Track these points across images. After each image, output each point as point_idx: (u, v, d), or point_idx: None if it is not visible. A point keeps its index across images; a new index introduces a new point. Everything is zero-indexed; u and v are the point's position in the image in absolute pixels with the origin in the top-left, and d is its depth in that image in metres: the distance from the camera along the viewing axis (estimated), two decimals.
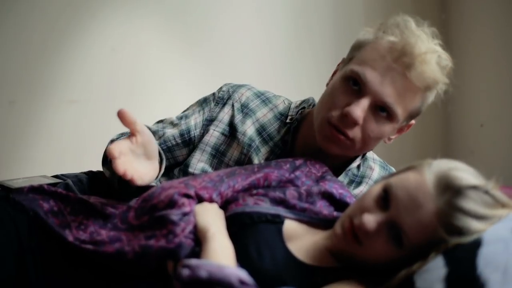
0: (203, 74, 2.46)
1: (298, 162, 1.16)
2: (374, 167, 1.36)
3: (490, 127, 2.56)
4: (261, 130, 1.31)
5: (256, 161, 1.29)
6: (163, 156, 1.20)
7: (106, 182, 1.34)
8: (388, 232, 0.91)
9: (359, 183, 1.34)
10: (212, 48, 2.50)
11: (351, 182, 1.33)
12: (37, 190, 1.09)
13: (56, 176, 1.31)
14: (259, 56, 2.57)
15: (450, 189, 0.88)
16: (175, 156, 1.34)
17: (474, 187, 0.89)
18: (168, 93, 2.42)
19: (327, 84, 1.27)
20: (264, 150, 1.30)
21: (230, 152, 1.31)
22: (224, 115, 1.33)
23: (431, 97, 1.20)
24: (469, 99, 2.69)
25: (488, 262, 0.82)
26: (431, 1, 2.73)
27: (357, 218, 0.93)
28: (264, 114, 1.33)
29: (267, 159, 1.29)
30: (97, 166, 1.43)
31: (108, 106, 2.32)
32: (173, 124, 1.35)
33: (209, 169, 1.31)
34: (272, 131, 1.31)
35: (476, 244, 0.85)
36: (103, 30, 2.31)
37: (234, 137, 1.31)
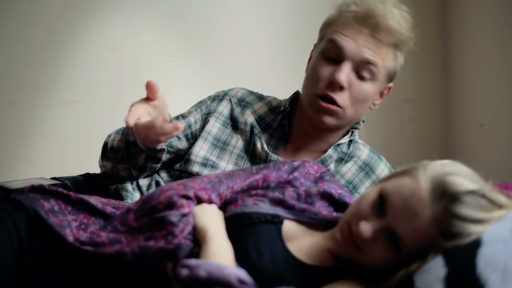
0: (203, 75, 2.46)
1: (296, 163, 1.16)
2: (363, 149, 1.40)
3: (490, 127, 2.55)
4: (259, 120, 1.38)
5: (259, 145, 1.34)
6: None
7: (104, 184, 1.35)
8: (385, 239, 0.91)
9: (347, 162, 1.37)
10: (212, 49, 2.50)
11: (340, 159, 1.37)
12: (38, 190, 1.09)
13: (54, 178, 1.31)
14: (260, 57, 2.57)
15: (445, 196, 0.88)
16: (177, 148, 1.37)
17: (470, 192, 0.88)
18: (168, 93, 2.40)
19: (306, 70, 1.37)
20: (265, 136, 1.36)
21: (234, 140, 1.37)
22: (223, 109, 1.39)
23: (401, 57, 1.31)
24: (469, 99, 2.69)
25: (487, 262, 0.82)
26: (431, 1, 2.73)
27: (354, 225, 0.93)
28: (260, 107, 1.41)
29: (269, 143, 1.36)
30: (97, 167, 1.44)
31: (109, 106, 2.33)
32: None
33: (211, 157, 1.35)
34: (269, 121, 1.39)
35: (476, 244, 0.84)
36: (103, 30, 2.31)
37: (236, 127, 1.38)
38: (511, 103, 2.45)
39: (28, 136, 2.21)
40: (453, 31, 2.72)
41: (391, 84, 1.34)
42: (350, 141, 1.39)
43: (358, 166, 1.37)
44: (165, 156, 1.33)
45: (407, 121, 2.76)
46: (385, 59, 1.26)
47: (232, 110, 1.39)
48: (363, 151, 1.39)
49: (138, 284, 0.96)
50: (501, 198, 0.91)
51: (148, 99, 1.16)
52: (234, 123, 1.38)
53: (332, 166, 1.35)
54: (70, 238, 0.99)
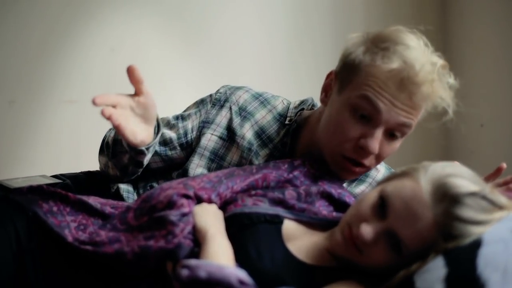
0: (202, 74, 2.46)
1: (297, 162, 1.16)
2: (380, 169, 1.34)
3: (490, 127, 2.56)
4: (260, 133, 1.29)
5: (256, 163, 1.27)
6: (161, 127, 1.18)
7: (105, 183, 1.34)
8: (386, 241, 0.91)
9: (362, 181, 1.32)
10: (212, 48, 2.50)
11: (354, 179, 1.31)
12: (36, 190, 1.08)
13: (55, 176, 1.31)
14: (259, 56, 2.57)
15: (447, 198, 0.88)
16: (172, 158, 1.32)
17: (471, 194, 0.88)
18: (167, 93, 2.41)
19: (323, 101, 1.23)
20: (263, 153, 1.28)
21: (230, 156, 1.30)
22: (222, 119, 1.31)
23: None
24: (469, 99, 2.69)
25: (488, 262, 0.82)
26: (431, 1, 2.73)
27: (355, 227, 0.93)
28: (263, 116, 1.30)
29: (267, 162, 1.26)
30: (96, 166, 1.43)
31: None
32: (169, 125, 1.33)
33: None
34: (271, 133, 1.29)
35: (476, 244, 0.85)
36: (102, 30, 2.31)
37: (233, 140, 1.29)
38: (511, 103, 2.45)
39: (27, 135, 2.21)
40: (453, 31, 2.71)
41: None
42: None
43: (372, 188, 1.32)
44: (160, 163, 1.30)
45: None
46: (418, 116, 1.15)
47: (230, 120, 1.30)
48: (380, 171, 1.33)
49: (138, 284, 0.96)
50: (501, 199, 0.91)
51: (134, 94, 1.09)
52: (231, 135, 1.30)
53: (344, 185, 1.28)
54: (69, 238, 0.99)
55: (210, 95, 1.35)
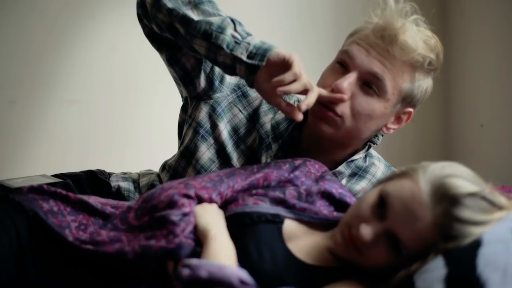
0: None
1: (298, 162, 1.16)
2: (379, 166, 1.35)
3: (490, 127, 2.55)
4: (275, 126, 1.32)
5: (264, 158, 1.30)
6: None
7: (106, 182, 1.34)
8: (386, 241, 0.91)
9: (361, 178, 1.33)
10: None
11: (353, 174, 1.32)
12: (37, 190, 1.08)
13: (56, 176, 1.31)
14: None
15: (446, 199, 0.88)
16: (195, 76, 1.30)
17: (471, 194, 0.88)
18: (168, 93, 2.41)
19: None
20: (274, 147, 1.30)
21: (249, 141, 1.32)
22: (256, 99, 1.33)
23: (423, 80, 1.21)
24: (469, 99, 2.69)
25: (488, 262, 0.82)
26: (431, 1, 2.73)
27: (355, 228, 0.93)
28: (280, 112, 1.34)
29: (276, 155, 1.29)
30: (98, 166, 1.43)
31: (109, 105, 2.32)
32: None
33: (228, 146, 1.31)
34: (282, 129, 1.32)
35: (476, 244, 0.85)
36: (104, 29, 2.30)
37: (254, 126, 1.32)
38: (511, 103, 2.45)
39: (28, 136, 2.21)
40: (453, 31, 2.71)
41: (410, 109, 1.25)
42: (365, 155, 1.33)
43: (372, 185, 1.30)
44: (188, 64, 1.29)
45: None
46: (397, 78, 1.18)
47: (261, 102, 1.33)
48: (379, 168, 1.34)
49: (138, 284, 0.96)
50: (501, 199, 0.92)
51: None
52: (255, 120, 1.33)
53: (343, 182, 1.30)
54: (70, 238, 0.99)
55: None
